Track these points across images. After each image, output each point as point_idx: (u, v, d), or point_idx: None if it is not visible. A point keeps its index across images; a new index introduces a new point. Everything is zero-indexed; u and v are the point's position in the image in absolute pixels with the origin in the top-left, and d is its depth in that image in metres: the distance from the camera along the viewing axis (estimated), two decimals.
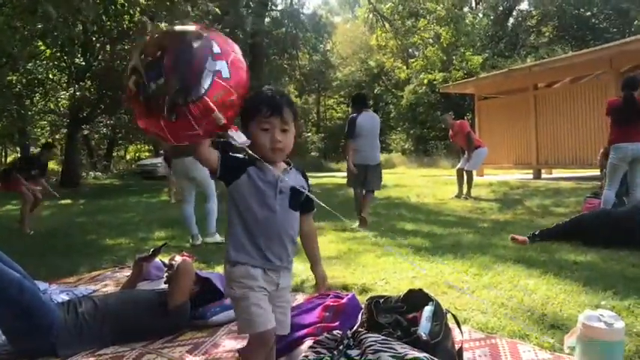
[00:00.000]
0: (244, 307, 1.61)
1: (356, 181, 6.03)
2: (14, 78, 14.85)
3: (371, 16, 28.25)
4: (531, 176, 12.05)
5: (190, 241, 5.24)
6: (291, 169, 1.74)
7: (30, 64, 14.77)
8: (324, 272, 1.86)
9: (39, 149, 6.64)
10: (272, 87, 1.81)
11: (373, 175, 6.03)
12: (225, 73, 1.55)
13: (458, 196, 8.55)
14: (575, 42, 28.17)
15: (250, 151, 1.62)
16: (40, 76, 16.41)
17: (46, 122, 21.44)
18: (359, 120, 5.93)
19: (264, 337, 1.62)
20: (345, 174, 6.46)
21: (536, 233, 4.65)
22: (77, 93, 15.72)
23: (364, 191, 6.07)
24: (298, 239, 1.79)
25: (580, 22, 29.01)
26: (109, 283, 3.70)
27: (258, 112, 1.63)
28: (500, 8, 31.41)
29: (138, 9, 8.40)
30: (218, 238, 5.24)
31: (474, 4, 32.46)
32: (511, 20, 32.26)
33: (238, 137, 1.58)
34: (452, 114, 9.55)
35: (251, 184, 1.64)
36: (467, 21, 27.74)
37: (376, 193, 6.27)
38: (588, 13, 29.07)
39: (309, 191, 1.77)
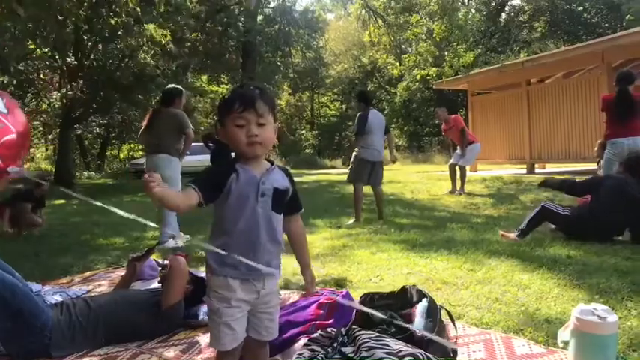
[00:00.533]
0: (216, 322, 1.60)
1: (359, 177, 6.07)
2: (4, 79, 14.70)
3: (364, 12, 28.31)
4: (525, 171, 12.06)
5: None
6: (273, 168, 1.67)
7: (22, 65, 14.62)
8: (314, 275, 1.81)
9: (34, 181, 6.36)
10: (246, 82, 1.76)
11: (377, 172, 6.19)
12: (2, 107, 1.39)
13: (452, 192, 8.57)
14: (567, 37, 28.28)
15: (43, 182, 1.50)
16: (31, 76, 16.25)
17: (38, 122, 21.29)
18: (370, 117, 5.99)
19: (229, 353, 1.64)
20: (341, 171, 6.47)
21: (523, 227, 4.57)
22: (69, 92, 15.60)
23: (373, 188, 6.23)
24: (285, 238, 1.74)
25: (572, 17, 29.13)
26: (102, 283, 3.68)
27: (231, 109, 1.57)
28: (493, 4, 31.48)
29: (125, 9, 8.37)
30: (172, 243, 4.92)
31: (466, 0, 32.52)
32: (503, 16, 32.35)
33: (26, 174, 1.46)
34: (445, 109, 9.56)
35: (232, 191, 1.58)
36: (460, 15, 27.81)
37: (371, 190, 6.30)
38: (580, 8, 29.19)
39: (293, 192, 1.70)
